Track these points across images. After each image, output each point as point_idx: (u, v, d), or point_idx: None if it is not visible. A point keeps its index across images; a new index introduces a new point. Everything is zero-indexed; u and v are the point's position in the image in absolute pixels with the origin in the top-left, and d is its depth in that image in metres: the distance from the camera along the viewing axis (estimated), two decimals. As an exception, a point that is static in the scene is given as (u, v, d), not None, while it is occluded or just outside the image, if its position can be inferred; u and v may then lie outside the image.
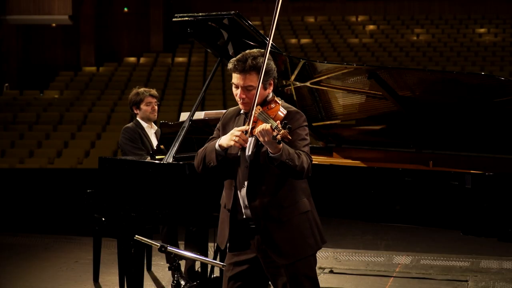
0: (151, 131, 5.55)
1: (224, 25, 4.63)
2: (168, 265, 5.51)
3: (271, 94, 3.12)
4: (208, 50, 5.12)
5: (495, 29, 19.62)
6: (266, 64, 3.04)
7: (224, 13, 4.56)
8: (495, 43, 18.65)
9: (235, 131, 2.97)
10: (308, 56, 17.70)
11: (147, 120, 5.55)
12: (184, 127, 4.58)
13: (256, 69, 3.04)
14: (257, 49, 3.13)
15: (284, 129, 2.76)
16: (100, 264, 5.65)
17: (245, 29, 4.59)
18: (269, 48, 3.04)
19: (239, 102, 3.11)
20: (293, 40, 19.79)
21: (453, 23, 20.32)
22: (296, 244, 3.07)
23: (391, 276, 5.81)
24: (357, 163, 4.80)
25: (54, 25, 20.39)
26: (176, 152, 4.44)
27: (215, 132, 3.29)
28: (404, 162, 4.71)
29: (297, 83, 4.84)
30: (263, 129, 2.82)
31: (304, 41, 19.60)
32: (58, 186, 11.16)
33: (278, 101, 3.05)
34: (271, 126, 2.81)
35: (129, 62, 19.75)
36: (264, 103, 3.07)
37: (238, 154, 3.06)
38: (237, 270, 3.14)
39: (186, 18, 4.74)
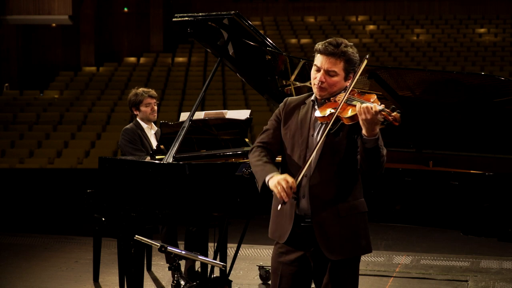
0: (151, 131, 5.55)
1: (224, 25, 4.63)
2: (168, 265, 5.51)
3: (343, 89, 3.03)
4: (208, 50, 5.11)
5: (495, 29, 19.63)
6: (354, 56, 2.99)
7: (224, 13, 4.56)
8: (495, 43, 18.65)
9: (283, 182, 2.88)
10: (308, 56, 17.68)
11: (147, 121, 5.55)
12: (184, 127, 4.57)
13: (345, 56, 2.97)
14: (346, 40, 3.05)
15: (393, 112, 2.69)
16: (100, 264, 5.65)
17: (245, 29, 4.59)
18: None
19: (315, 86, 3.01)
20: (293, 40, 19.79)
21: (453, 23, 20.33)
22: (349, 242, 2.99)
23: (391, 276, 5.81)
24: (357, 163, 4.79)
25: (54, 25, 20.40)
26: (176, 152, 4.43)
27: (270, 123, 3.16)
28: (404, 162, 4.71)
29: (297, 83, 4.83)
30: (368, 107, 2.73)
31: (304, 41, 19.60)
32: (58, 186, 11.16)
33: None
34: (379, 108, 2.72)
35: (129, 62, 19.76)
36: (339, 93, 2.99)
37: (279, 208, 2.96)
38: (288, 271, 3.06)
39: (186, 18, 4.74)
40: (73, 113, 15.74)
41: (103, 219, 4.84)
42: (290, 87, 4.93)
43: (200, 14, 4.70)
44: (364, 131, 2.80)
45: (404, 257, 6.43)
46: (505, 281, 5.63)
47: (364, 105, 2.75)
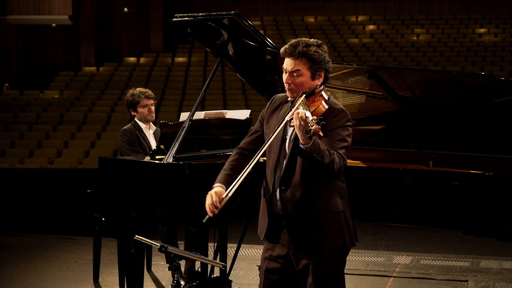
0: (149, 131, 5.55)
1: (224, 25, 4.63)
2: (168, 265, 5.51)
3: (321, 87, 3.04)
4: (208, 50, 5.11)
5: (495, 29, 19.63)
6: (319, 54, 3.02)
7: (224, 13, 4.56)
8: (495, 43, 18.66)
9: (208, 197, 3.00)
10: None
11: (145, 121, 5.55)
12: (184, 127, 4.57)
13: (306, 56, 3.01)
14: (314, 39, 3.08)
15: (317, 125, 2.68)
16: (100, 264, 5.65)
17: (245, 29, 4.59)
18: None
19: (286, 88, 3.06)
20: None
21: (453, 23, 20.34)
22: (322, 244, 3.01)
23: (391, 276, 5.81)
24: (357, 163, 4.79)
25: (54, 25, 20.40)
26: (176, 152, 4.43)
27: (256, 124, 3.22)
28: (404, 162, 4.71)
29: (297, 83, 4.83)
30: (298, 113, 2.74)
31: (304, 41, 19.58)
32: (58, 186, 11.16)
33: (325, 96, 2.95)
34: (307, 116, 2.72)
35: (129, 62, 19.76)
36: (311, 94, 2.99)
37: (203, 221, 3.04)
38: (272, 266, 3.11)
39: (186, 18, 4.74)
40: (73, 113, 15.74)
41: (103, 219, 4.84)
42: (290, 87, 4.92)
43: (200, 14, 4.70)
44: (300, 138, 2.79)
45: (404, 257, 6.43)
46: (505, 281, 5.63)
47: (296, 111, 2.77)
